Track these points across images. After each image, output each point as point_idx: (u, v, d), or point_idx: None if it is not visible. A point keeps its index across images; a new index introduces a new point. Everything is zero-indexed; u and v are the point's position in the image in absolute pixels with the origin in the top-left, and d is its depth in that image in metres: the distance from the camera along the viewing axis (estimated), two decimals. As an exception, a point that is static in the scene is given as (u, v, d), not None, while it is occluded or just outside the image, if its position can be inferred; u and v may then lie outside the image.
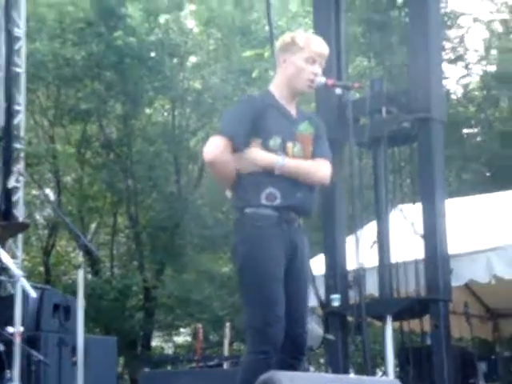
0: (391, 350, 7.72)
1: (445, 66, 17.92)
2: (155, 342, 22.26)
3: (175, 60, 20.00)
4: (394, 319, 7.88)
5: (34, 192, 20.17)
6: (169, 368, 11.25)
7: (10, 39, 11.73)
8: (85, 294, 5.89)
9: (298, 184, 4.19)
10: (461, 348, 10.45)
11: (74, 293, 6.10)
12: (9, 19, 11.67)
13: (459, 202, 10.04)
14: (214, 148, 4.15)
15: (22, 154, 11.90)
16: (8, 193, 11.22)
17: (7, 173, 11.08)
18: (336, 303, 7.93)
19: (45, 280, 18.46)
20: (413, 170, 8.82)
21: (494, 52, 19.75)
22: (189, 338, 22.12)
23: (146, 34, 18.84)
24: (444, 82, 14.26)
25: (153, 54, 19.21)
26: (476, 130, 20.13)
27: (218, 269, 20.68)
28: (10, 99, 11.65)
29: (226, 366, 10.05)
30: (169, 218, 19.39)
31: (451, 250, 7.93)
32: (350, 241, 8.03)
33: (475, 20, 20.00)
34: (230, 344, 13.72)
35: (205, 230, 19.33)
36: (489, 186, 14.19)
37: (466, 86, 20.32)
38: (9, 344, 6.51)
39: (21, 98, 11.92)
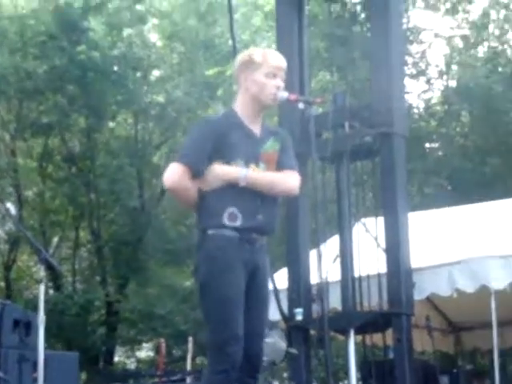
0: (354, 364, 7.73)
1: (407, 80, 18.08)
2: (118, 357, 22.11)
3: (138, 74, 19.96)
4: (357, 333, 7.88)
5: (-5, 206, 19.98)
6: (131, 383, 11.17)
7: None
8: (46, 309, 5.83)
9: (260, 204, 4.19)
10: (423, 361, 10.49)
11: (36, 308, 6.04)
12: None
13: (421, 215, 10.10)
14: (172, 175, 4.18)
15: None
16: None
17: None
18: (299, 317, 7.93)
19: (5, 295, 18.27)
20: (375, 184, 8.85)
21: (454, 67, 19.97)
22: (151, 353, 21.99)
23: (109, 48, 18.77)
24: (406, 96, 14.37)
25: (116, 68, 19.15)
26: (437, 145, 20.31)
27: (180, 283, 20.62)
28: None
29: (188, 380, 10.01)
30: (131, 232, 19.31)
31: (413, 263, 7.97)
32: (313, 255, 8.03)
33: (436, 35, 20.23)
34: (193, 358, 13.67)
35: (168, 244, 19.27)
36: (450, 200, 14.30)
37: (427, 101, 20.51)
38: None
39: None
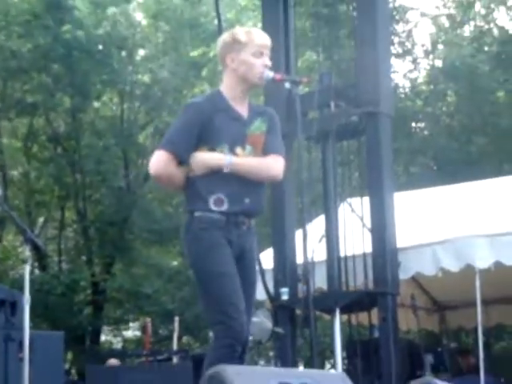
0: (339, 343, 7.77)
1: (393, 60, 18.07)
2: (104, 337, 22.13)
3: (123, 53, 19.86)
4: (343, 312, 7.92)
5: (-20, 186, 19.90)
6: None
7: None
8: (32, 289, 5.83)
9: (247, 188, 4.19)
10: (408, 340, 10.55)
11: (22, 288, 6.03)
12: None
13: (407, 195, 10.13)
14: (158, 162, 4.19)
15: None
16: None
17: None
18: (285, 297, 7.96)
19: (-9, 275, 18.24)
20: (361, 164, 8.86)
21: (440, 46, 19.96)
22: (138, 333, 22.03)
23: (94, 27, 18.66)
24: (392, 76, 14.37)
25: (101, 47, 19.04)
26: (423, 124, 20.33)
27: (167, 262, 20.64)
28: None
29: (175, 359, 10.04)
30: (117, 212, 19.28)
31: (399, 243, 8.00)
32: (299, 235, 8.05)
33: (422, 15, 20.20)
34: (179, 338, 13.71)
35: (154, 223, 19.26)
36: (436, 180, 14.33)
37: (413, 81, 20.51)
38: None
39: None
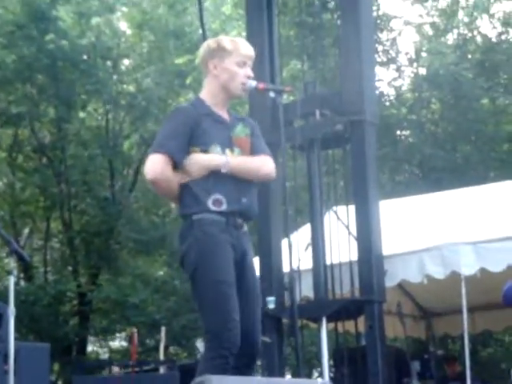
0: (326, 351, 7.78)
1: (377, 68, 18.12)
2: (90, 348, 22.04)
3: (108, 63, 19.83)
4: (329, 320, 7.93)
5: (-36, 197, 19.83)
6: (104, 373, 11.16)
7: None
8: (18, 301, 5.81)
9: (243, 188, 4.18)
10: (395, 348, 10.57)
11: (7, 299, 6.01)
12: None
13: (393, 203, 10.15)
14: (154, 166, 4.11)
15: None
16: None
17: None
18: (271, 306, 7.95)
19: (-24, 287, 18.12)
20: (346, 172, 8.88)
21: (424, 54, 20.05)
22: (124, 343, 21.95)
23: (78, 37, 18.62)
24: (376, 84, 14.41)
25: (85, 57, 19.01)
26: (408, 132, 20.39)
27: (153, 272, 20.58)
28: None
29: (162, 370, 10.01)
30: (103, 222, 19.21)
31: (384, 250, 8.01)
32: (285, 243, 8.06)
33: (406, 23, 20.30)
34: (166, 348, 13.67)
35: (140, 233, 19.20)
36: (421, 187, 14.38)
37: (397, 89, 20.58)
38: None
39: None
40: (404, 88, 20.80)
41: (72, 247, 19.90)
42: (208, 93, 4.31)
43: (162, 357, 11.30)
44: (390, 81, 20.41)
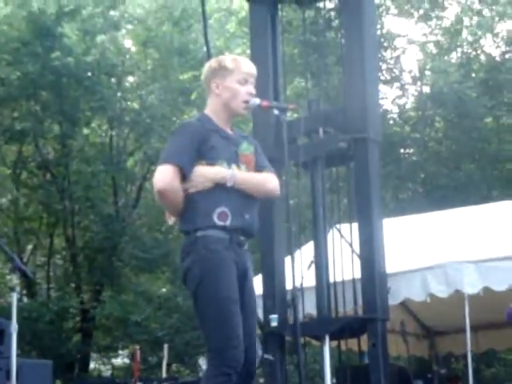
0: (329, 369, 7.74)
1: (381, 86, 18.17)
2: (93, 365, 21.98)
3: (113, 80, 19.89)
4: (332, 338, 7.90)
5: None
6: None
7: None
8: (21, 317, 5.81)
9: (246, 204, 4.19)
10: (398, 366, 10.53)
11: (10, 316, 6.01)
12: None
13: (396, 221, 10.15)
14: (163, 176, 4.10)
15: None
16: None
17: None
18: (274, 323, 7.92)
19: (-21, 303, 18.10)
20: (350, 190, 8.88)
21: (428, 73, 20.09)
22: (127, 360, 21.89)
23: (83, 54, 18.70)
24: (380, 102, 14.43)
25: (90, 74, 19.07)
26: (411, 150, 20.41)
27: (156, 289, 20.56)
28: None
29: (164, 387, 9.97)
30: (106, 239, 19.21)
31: (388, 268, 8.00)
32: (288, 261, 8.04)
33: (410, 41, 20.35)
34: (169, 366, 13.64)
35: (143, 250, 19.20)
36: (424, 205, 14.37)
37: (401, 107, 20.61)
38: None
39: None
40: (408, 106, 20.84)
41: (75, 264, 19.90)
42: (211, 111, 4.33)
43: (164, 374, 11.27)
44: (393, 99, 20.46)
